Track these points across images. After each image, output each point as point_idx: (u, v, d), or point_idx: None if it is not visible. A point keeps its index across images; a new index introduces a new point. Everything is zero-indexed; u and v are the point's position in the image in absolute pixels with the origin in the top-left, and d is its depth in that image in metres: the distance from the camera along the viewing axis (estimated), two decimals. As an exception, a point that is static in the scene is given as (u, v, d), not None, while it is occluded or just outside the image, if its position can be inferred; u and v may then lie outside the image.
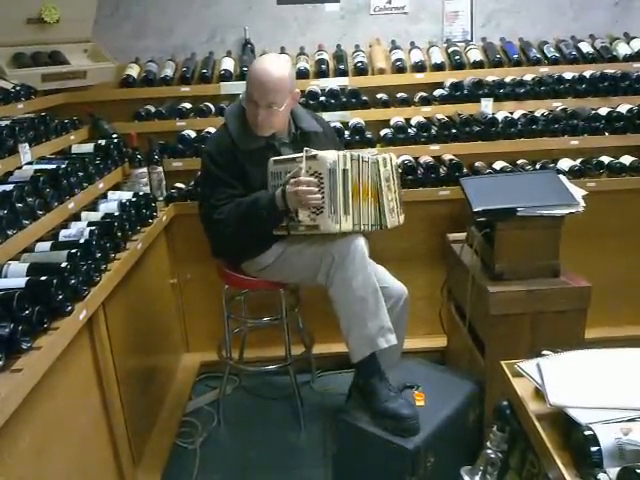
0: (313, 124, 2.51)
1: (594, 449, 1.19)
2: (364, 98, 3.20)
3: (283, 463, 2.57)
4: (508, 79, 3.23)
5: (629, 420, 1.27)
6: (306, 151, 2.19)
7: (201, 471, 2.53)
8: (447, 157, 3.12)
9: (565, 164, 3.07)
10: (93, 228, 2.13)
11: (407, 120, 3.21)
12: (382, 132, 3.21)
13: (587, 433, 1.22)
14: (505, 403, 1.59)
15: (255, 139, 2.38)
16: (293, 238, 2.37)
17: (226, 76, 3.21)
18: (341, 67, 3.27)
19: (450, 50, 3.41)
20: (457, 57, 3.34)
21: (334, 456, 2.31)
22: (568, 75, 3.23)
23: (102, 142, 2.76)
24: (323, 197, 2.14)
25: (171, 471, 2.48)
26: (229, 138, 2.38)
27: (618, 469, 1.13)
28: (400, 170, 2.68)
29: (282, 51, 3.41)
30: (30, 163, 2.28)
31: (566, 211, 2.32)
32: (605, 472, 1.15)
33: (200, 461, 2.58)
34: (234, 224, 2.29)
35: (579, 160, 3.10)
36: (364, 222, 2.24)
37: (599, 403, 1.32)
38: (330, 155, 2.16)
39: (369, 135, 3.12)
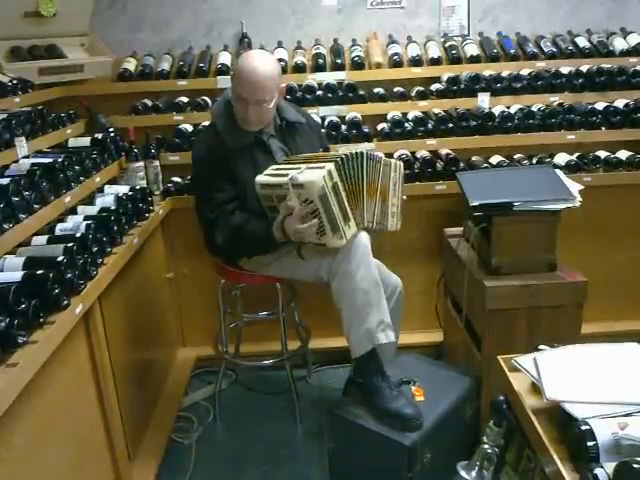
0: (297, 115, 2.54)
1: (591, 444, 1.20)
2: (361, 92, 3.19)
3: (279, 458, 2.57)
4: (505, 74, 3.23)
5: (626, 415, 1.27)
6: (291, 179, 2.10)
7: (197, 466, 2.53)
8: (444, 151, 3.11)
9: (562, 159, 3.07)
10: (90, 222, 2.12)
11: (404, 114, 3.21)
12: (379, 126, 3.20)
13: (584, 428, 1.22)
14: (502, 398, 1.59)
15: (244, 135, 2.39)
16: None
17: (223, 70, 3.20)
18: (338, 61, 3.26)
19: (447, 45, 3.40)
20: (454, 52, 3.34)
21: (330, 451, 2.32)
22: (565, 70, 3.23)
23: (99, 136, 2.76)
24: (322, 223, 2.12)
25: (167, 466, 2.48)
26: (218, 138, 2.38)
27: (615, 464, 1.13)
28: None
29: (279, 45, 3.41)
30: (27, 157, 2.27)
31: (563, 206, 2.32)
32: (602, 467, 1.15)
33: (196, 456, 2.58)
34: (234, 250, 2.43)
35: (576, 155, 3.10)
36: (368, 219, 2.25)
37: (596, 398, 1.32)
38: (316, 179, 2.07)
39: (366, 129, 3.11)
